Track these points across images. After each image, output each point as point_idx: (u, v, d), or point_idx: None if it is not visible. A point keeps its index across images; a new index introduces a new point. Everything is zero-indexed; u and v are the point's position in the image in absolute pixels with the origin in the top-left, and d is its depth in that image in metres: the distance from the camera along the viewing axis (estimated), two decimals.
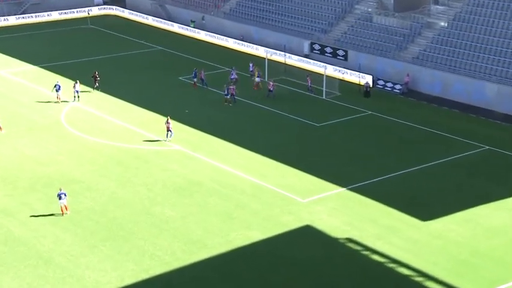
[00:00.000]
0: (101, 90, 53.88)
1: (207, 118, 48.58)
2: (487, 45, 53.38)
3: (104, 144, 43.47)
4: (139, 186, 37.72)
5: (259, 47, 62.58)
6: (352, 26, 62.20)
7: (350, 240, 32.44)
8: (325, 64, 57.56)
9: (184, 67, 58.94)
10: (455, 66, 53.64)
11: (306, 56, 61.92)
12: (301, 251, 31.47)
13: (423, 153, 42.42)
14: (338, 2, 64.13)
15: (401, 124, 47.80)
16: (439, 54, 55.31)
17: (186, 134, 44.79)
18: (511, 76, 50.67)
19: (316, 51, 62.02)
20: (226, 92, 50.44)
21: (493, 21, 54.63)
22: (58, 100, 51.45)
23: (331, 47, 61.05)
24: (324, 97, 53.14)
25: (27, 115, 48.82)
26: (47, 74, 58.43)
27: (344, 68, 57.86)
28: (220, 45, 67.21)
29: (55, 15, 77.52)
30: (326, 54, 61.19)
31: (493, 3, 55.74)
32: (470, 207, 35.38)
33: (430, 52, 55.89)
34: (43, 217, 34.20)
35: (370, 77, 55.71)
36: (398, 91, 54.80)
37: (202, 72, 56.35)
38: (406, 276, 29.54)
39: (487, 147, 43.01)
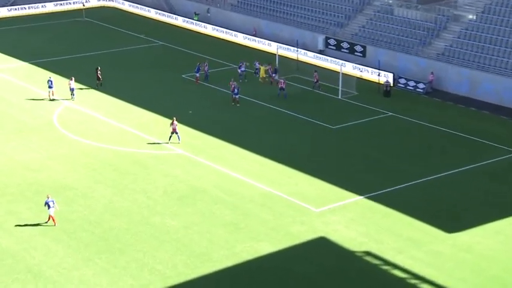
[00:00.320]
0: (98, 89, 54.06)
1: (212, 119, 48.64)
2: None
3: (100, 148, 43.60)
4: (138, 193, 37.80)
5: (272, 42, 62.64)
6: (371, 19, 62.17)
7: (368, 253, 32.36)
8: (341, 61, 57.53)
9: (188, 64, 59.06)
10: (484, 64, 53.48)
11: (321, 52, 61.93)
12: (314, 265, 31.42)
13: (448, 158, 42.27)
14: None
15: (424, 127, 47.69)
16: (466, 50, 55.16)
17: (189, 136, 44.88)
18: None
19: (332, 47, 62.01)
20: (236, 91, 50.47)
21: None
22: (50, 97, 51.70)
23: (348, 42, 61.02)
24: (339, 97, 53.10)
25: (16, 116, 49.07)
26: (39, 71, 58.71)
27: (362, 65, 57.81)
28: (228, 40, 67.33)
29: (50, 7, 77.88)
30: (342, 50, 61.16)
31: None
32: (500, 218, 35.23)
33: (456, 48, 55.75)
34: (33, 227, 34.31)
35: (391, 75, 55.64)
36: (421, 90, 54.70)
37: (206, 65, 56.45)
38: None
39: None
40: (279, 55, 57.87)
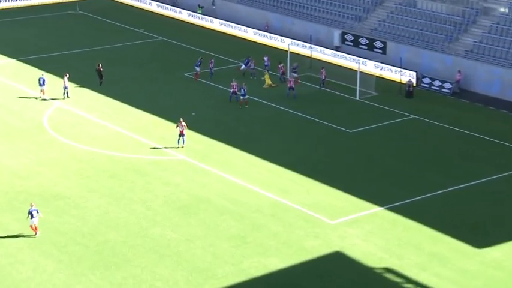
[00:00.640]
0: (92, 89, 54.22)
1: (217, 121, 48.67)
2: None
3: (94, 153, 43.68)
4: (135, 203, 37.84)
5: (285, 38, 62.63)
6: (391, 13, 62.11)
7: (389, 270, 32.25)
8: (359, 58, 57.50)
9: (191, 61, 59.11)
10: None
11: (337, 49, 61.91)
12: (329, 284, 31.33)
13: (477, 166, 42.13)
14: None
15: (450, 131, 47.55)
16: (497, 46, 55.00)
17: (192, 141, 44.93)
18: None
19: (349, 43, 61.99)
20: (243, 92, 50.53)
21: None
22: (42, 96, 51.89)
23: (366, 38, 60.97)
24: (357, 98, 53.04)
25: (3, 118, 49.24)
26: (28, 68, 58.92)
27: (382, 63, 57.74)
28: (235, 36, 67.40)
29: None
30: (360, 46, 61.12)
31: None
32: None
33: (486, 44, 55.60)
34: (20, 239, 34.37)
35: (414, 73, 55.55)
36: (447, 91, 54.57)
37: (212, 62, 56.48)
38: None
39: None
40: (290, 52, 57.85)
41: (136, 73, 58.45)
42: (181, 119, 44.20)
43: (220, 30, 69.00)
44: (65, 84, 51.90)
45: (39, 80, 52.15)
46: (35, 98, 52.20)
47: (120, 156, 43.23)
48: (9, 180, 40.14)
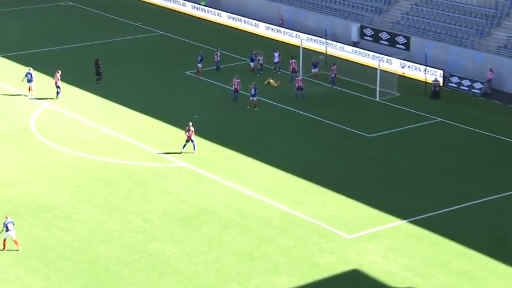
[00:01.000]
0: (84, 88, 54.34)
1: (221, 125, 48.70)
2: None
3: (86, 160, 43.74)
4: (131, 214, 37.87)
5: (300, 34, 62.58)
6: (416, 5, 62.04)
7: None
8: (379, 55, 57.41)
9: (193, 58, 59.15)
10: None
11: (355, 44, 61.88)
12: None
13: (511, 175, 41.94)
14: None
15: (481, 136, 47.44)
16: None
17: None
18: None
19: (368, 38, 61.94)
20: (253, 92, 50.55)
21: None
22: (30, 93, 52.07)
23: (387, 32, 60.91)
24: (377, 99, 52.98)
25: None
26: (13, 66, 59.10)
27: (405, 60, 57.67)
28: (243, 31, 67.43)
29: None
30: (381, 41, 61.08)
31: None
32: None
33: None
34: (4, 255, 34.42)
35: (440, 72, 55.45)
36: (478, 91, 54.44)
37: (218, 54, 56.46)
38: None
39: None
40: (303, 48, 57.86)
41: (133, 71, 58.53)
42: (190, 124, 44.20)
43: (228, 24, 69.04)
44: (57, 83, 51.98)
45: (26, 75, 52.31)
46: (23, 95, 52.31)
47: (114, 163, 43.27)
48: None
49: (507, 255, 34.35)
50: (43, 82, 54.19)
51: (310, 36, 61.66)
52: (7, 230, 34.13)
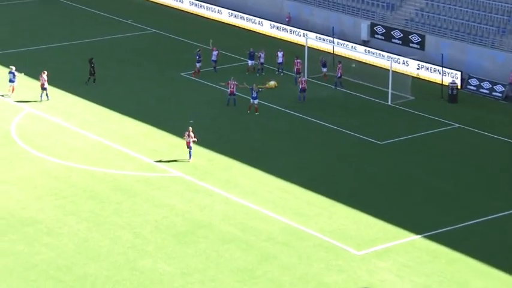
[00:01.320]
0: (69, 91, 54.29)
1: (220, 131, 48.67)
2: None
3: (72, 169, 43.69)
4: (121, 229, 37.80)
5: (308, 32, 62.54)
6: (431, 0, 62.02)
7: None
8: (391, 55, 57.39)
9: (189, 58, 59.19)
10: None
11: (365, 43, 61.87)
12: None
13: None
14: None
15: (502, 143, 47.39)
16: None
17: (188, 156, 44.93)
18: None
19: (379, 36, 61.94)
20: (254, 95, 50.51)
21: None
22: (10, 93, 52.07)
23: (400, 31, 60.91)
24: (389, 102, 52.96)
25: None
26: None
27: (419, 60, 57.64)
28: (244, 28, 67.45)
29: None
30: (393, 40, 61.07)
31: None
32: None
33: None
34: None
35: (458, 73, 55.42)
36: (499, 95, 54.41)
37: (215, 51, 56.55)
38: None
39: None
40: (311, 48, 57.84)
41: (123, 72, 58.51)
42: (190, 129, 44.11)
43: (228, 22, 69.01)
44: (44, 85, 51.95)
45: (8, 74, 52.27)
46: (3, 97, 52.32)
47: (103, 173, 43.20)
48: None
49: None
50: (25, 84, 54.14)
51: (319, 35, 61.52)
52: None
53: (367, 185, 42.18)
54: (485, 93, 54.82)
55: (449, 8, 60.56)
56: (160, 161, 44.41)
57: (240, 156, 44.93)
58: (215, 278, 34.09)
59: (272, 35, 65.85)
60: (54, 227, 37.82)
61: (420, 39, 59.73)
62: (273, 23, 66.30)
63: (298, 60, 56.02)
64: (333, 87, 55.08)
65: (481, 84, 55.17)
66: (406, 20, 61.86)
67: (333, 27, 62.07)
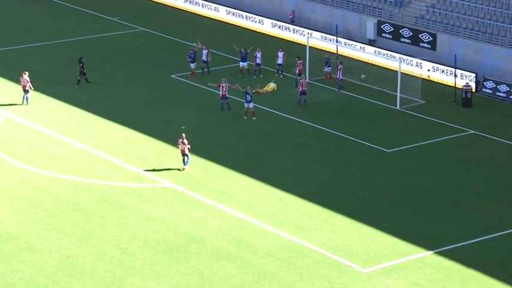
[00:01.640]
0: (51, 95, 54.28)
1: (214, 138, 48.69)
2: None
3: (54, 179, 43.67)
4: (107, 244, 37.76)
5: (314, 32, 62.51)
6: None
7: None
8: (400, 55, 57.42)
9: (180, 59, 59.22)
10: None
11: (371, 43, 61.92)
12: None
13: None
14: None
15: None
16: None
17: (182, 163, 44.89)
18: None
19: (387, 35, 61.99)
20: (248, 98, 50.54)
21: None
22: None
23: (409, 29, 60.95)
24: (397, 107, 53.00)
25: None
26: None
27: (430, 61, 57.68)
28: (242, 27, 67.50)
29: None
30: (402, 39, 61.12)
31: None
32: None
33: None
34: None
35: (473, 75, 55.46)
36: None
37: (205, 50, 56.53)
38: None
39: None
40: (310, 47, 57.89)
41: (109, 75, 58.50)
42: (184, 135, 44.09)
43: (225, 20, 69.00)
44: (26, 87, 51.93)
45: None
46: None
47: (87, 183, 43.19)
48: None
49: None
50: (2, 87, 54.11)
51: (324, 35, 61.49)
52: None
53: (373, 196, 42.16)
54: (502, 97, 54.85)
55: (463, 4, 60.60)
56: (149, 170, 44.40)
57: (235, 165, 44.94)
58: None
59: (274, 35, 65.78)
60: (33, 243, 37.76)
61: (431, 38, 59.75)
62: (274, 21, 66.27)
63: (300, 61, 56.06)
64: (337, 90, 55.11)
65: (498, 87, 55.19)
66: (416, 17, 61.89)
67: (336, 26, 62.11)
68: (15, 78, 53.23)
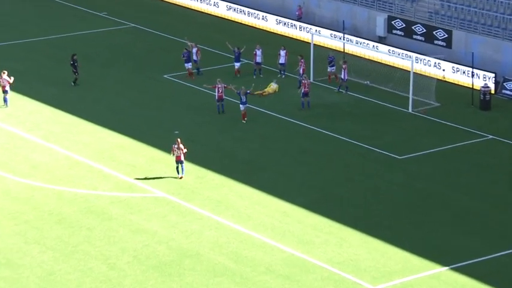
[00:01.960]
0: (33, 97, 54.30)
1: (210, 144, 48.74)
2: None
3: (36, 188, 43.65)
4: (93, 259, 37.74)
5: (321, 29, 62.47)
6: None
7: None
8: (412, 54, 57.44)
9: (174, 57, 59.21)
10: None
11: (381, 40, 61.94)
12: None
13: None
14: None
15: None
16: None
17: (175, 171, 44.89)
18: None
19: (398, 32, 62.02)
20: (244, 100, 50.61)
21: None
22: None
23: (423, 25, 60.98)
24: (410, 110, 53.02)
25: None
26: None
27: (446, 60, 57.68)
28: (243, 24, 67.60)
29: None
30: (414, 36, 61.13)
31: None
32: None
33: None
34: None
35: (492, 75, 55.47)
36: None
37: (194, 48, 56.54)
38: None
39: None
40: (314, 44, 57.92)
41: (96, 74, 58.53)
42: (179, 140, 44.08)
43: (226, 17, 69.00)
44: (5, 87, 51.97)
45: None
46: None
47: (72, 193, 43.18)
48: None
49: None
50: None
51: (333, 32, 61.49)
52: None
53: (383, 206, 42.14)
54: None
55: None
56: (139, 179, 44.40)
57: (233, 173, 44.93)
58: None
59: (278, 33, 65.74)
60: (13, 258, 37.73)
61: (446, 35, 59.76)
62: (279, 18, 66.20)
63: (303, 60, 56.03)
64: (343, 91, 55.14)
65: None
66: (429, 12, 61.90)
67: (343, 21, 62.12)
68: None
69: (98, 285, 35.91)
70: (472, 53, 56.08)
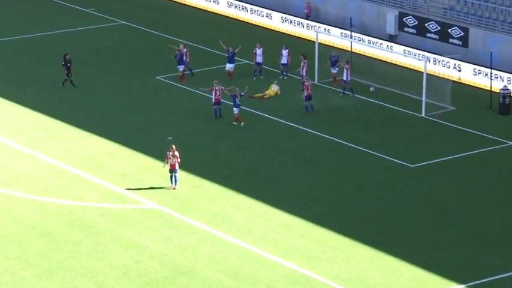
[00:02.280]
0: (14, 100, 54.34)
1: (206, 151, 48.74)
2: None
3: (16, 199, 43.65)
4: (80, 276, 37.74)
5: (331, 28, 62.52)
6: None
7: None
8: (426, 53, 57.47)
9: (167, 58, 59.25)
10: None
11: (391, 39, 61.99)
12: None
13: None
14: None
15: None
16: None
17: (169, 180, 44.90)
18: None
19: (410, 30, 62.07)
20: (237, 103, 50.66)
21: None
22: None
23: (437, 22, 61.02)
24: (423, 114, 53.05)
25: None
26: None
27: (462, 60, 57.73)
28: (246, 22, 67.74)
29: None
30: (428, 35, 61.21)
31: None
32: None
33: None
34: None
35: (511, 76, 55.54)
36: None
37: (184, 49, 56.80)
38: None
39: None
40: (321, 44, 57.97)
41: (82, 76, 58.51)
42: (174, 147, 44.07)
43: (227, 14, 69.12)
44: None
45: None
46: None
47: (56, 204, 43.19)
48: None
49: None
50: None
51: (344, 31, 61.61)
52: None
53: (394, 219, 42.15)
54: None
55: None
56: (130, 189, 44.41)
57: (231, 183, 44.96)
58: None
59: (284, 31, 65.82)
60: None
61: (462, 34, 59.82)
62: (285, 15, 66.21)
63: (305, 60, 56.07)
64: (350, 94, 55.16)
65: None
66: (444, 8, 61.97)
67: (350, 18, 62.20)
68: None
69: None
70: (491, 52, 56.14)
